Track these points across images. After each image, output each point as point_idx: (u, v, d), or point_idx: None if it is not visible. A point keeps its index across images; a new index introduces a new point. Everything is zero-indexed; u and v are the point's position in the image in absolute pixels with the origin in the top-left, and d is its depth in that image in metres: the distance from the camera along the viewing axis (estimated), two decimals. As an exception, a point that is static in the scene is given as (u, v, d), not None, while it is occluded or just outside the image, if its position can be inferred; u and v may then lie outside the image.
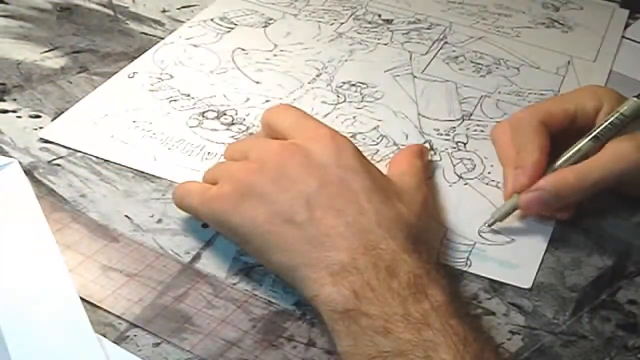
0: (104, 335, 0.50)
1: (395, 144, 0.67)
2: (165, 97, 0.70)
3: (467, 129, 0.69)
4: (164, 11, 0.82)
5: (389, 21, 0.83)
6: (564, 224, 0.60)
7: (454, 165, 0.65)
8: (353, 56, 0.77)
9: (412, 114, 0.70)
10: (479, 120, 0.70)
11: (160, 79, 0.72)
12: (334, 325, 0.49)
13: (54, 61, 0.73)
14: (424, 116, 0.70)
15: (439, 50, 0.79)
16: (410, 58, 0.78)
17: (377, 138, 0.67)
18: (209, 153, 0.65)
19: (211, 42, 0.78)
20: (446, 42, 0.81)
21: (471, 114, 0.71)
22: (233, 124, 0.68)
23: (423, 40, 0.81)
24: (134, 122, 0.67)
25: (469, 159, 0.66)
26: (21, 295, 0.52)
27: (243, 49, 0.77)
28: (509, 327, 0.53)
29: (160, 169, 0.63)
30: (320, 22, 0.82)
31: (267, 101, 0.71)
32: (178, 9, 0.83)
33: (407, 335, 0.46)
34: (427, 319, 0.46)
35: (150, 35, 0.78)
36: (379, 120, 0.69)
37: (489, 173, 0.65)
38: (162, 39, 0.78)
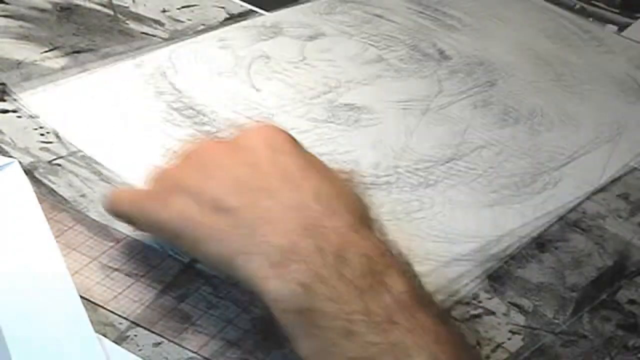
0: (105, 335, 0.50)
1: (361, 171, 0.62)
2: (165, 98, 0.70)
3: (444, 172, 0.64)
4: (164, 11, 0.82)
5: (446, 57, 0.77)
6: (564, 224, 0.60)
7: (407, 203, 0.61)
8: (376, 81, 0.73)
9: (397, 147, 0.66)
10: (466, 165, 0.65)
11: (160, 78, 0.72)
12: (290, 329, 0.44)
13: (54, 61, 0.73)
14: (406, 152, 0.65)
15: (476, 95, 0.73)
16: (436, 95, 0.72)
17: (344, 161, 0.63)
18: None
19: (240, 47, 0.75)
20: (493, 85, 0.74)
21: (460, 159, 0.66)
22: (205, 124, 0.66)
23: (466, 80, 0.74)
24: (126, 120, 0.67)
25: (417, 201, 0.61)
26: (21, 295, 0.52)
27: (267, 57, 0.75)
28: (509, 327, 0.53)
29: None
30: (371, 45, 0.77)
31: (255, 109, 0.69)
32: (178, 9, 0.83)
33: (372, 338, 0.42)
34: (391, 316, 0.42)
35: (150, 35, 0.78)
36: (357, 145, 0.65)
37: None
38: (162, 39, 0.77)
